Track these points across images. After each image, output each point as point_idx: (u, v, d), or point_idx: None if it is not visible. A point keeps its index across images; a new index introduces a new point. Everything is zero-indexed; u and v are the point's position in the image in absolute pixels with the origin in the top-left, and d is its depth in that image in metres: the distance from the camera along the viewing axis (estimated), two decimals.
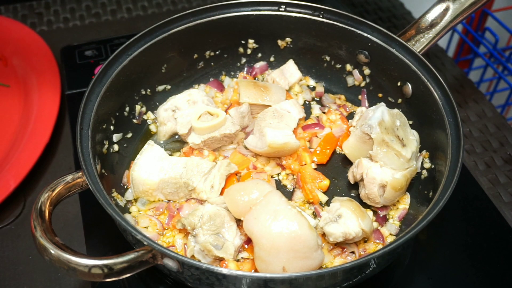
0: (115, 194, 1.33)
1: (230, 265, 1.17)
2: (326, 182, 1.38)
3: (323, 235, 1.25)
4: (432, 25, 1.41)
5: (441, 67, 1.89)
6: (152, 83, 1.53)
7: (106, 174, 1.31)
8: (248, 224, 1.17)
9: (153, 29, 1.44)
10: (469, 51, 2.22)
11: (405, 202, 1.35)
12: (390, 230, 1.31)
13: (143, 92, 1.51)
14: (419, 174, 1.36)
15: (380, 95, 1.54)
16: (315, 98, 1.63)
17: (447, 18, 1.39)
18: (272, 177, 1.40)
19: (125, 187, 1.38)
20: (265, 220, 1.14)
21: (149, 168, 1.32)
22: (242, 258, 1.23)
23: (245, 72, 1.66)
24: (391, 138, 1.29)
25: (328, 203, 1.35)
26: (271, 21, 1.55)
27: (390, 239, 1.30)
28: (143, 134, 1.51)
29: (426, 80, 1.35)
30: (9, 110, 1.64)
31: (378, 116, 1.31)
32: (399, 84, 1.46)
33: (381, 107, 1.35)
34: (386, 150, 1.28)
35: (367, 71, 1.55)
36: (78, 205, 1.43)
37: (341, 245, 1.26)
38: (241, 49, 1.62)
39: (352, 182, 1.37)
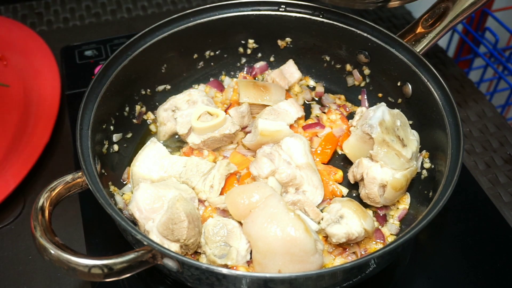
0: (112, 188, 1.33)
1: (239, 268, 1.17)
2: (340, 173, 1.40)
3: (326, 236, 1.25)
4: (432, 25, 1.41)
5: (441, 67, 1.89)
6: (152, 83, 1.53)
7: (106, 174, 1.31)
8: (246, 227, 1.17)
9: (153, 29, 1.44)
10: (469, 51, 2.22)
11: (405, 202, 1.35)
12: (390, 230, 1.31)
13: (143, 92, 1.51)
14: (419, 174, 1.36)
15: (380, 95, 1.54)
16: (315, 98, 1.63)
17: (447, 18, 1.39)
18: None
19: (124, 182, 1.38)
20: (262, 223, 1.14)
21: (150, 164, 1.33)
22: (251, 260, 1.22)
23: (245, 72, 1.66)
24: (392, 138, 1.30)
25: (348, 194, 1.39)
26: (271, 21, 1.55)
27: (390, 238, 1.30)
28: (143, 134, 1.51)
29: (426, 80, 1.35)
30: (9, 110, 1.64)
31: (379, 116, 1.31)
32: (399, 84, 1.46)
33: (382, 107, 1.35)
34: (387, 150, 1.28)
35: (367, 71, 1.55)
36: (78, 205, 1.43)
37: (343, 245, 1.26)
38: (241, 49, 1.63)
39: (352, 182, 1.37)
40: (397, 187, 1.28)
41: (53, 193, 1.11)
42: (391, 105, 1.46)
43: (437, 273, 1.30)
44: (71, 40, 1.91)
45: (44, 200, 1.08)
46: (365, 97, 1.58)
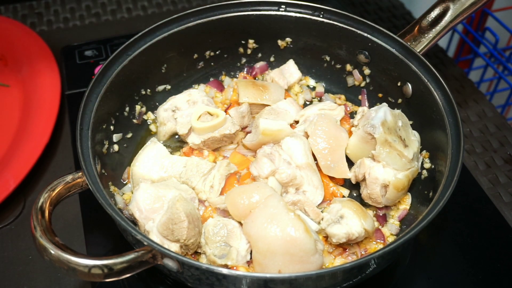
0: (112, 188, 1.33)
1: (239, 268, 1.17)
2: None
3: (326, 236, 1.25)
4: (432, 25, 1.41)
5: (441, 67, 1.89)
6: (152, 83, 1.53)
7: (106, 174, 1.31)
8: (246, 227, 1.17)
9: (153, 29, 1.44)
10: (469, 51, 2.22)
11: (406, 202, 1.35)
12: (390, 230, 1.31)
13: (143, 92, 1.51)
14: (419, 174, 1.36)
15: (380, 95, 1.54)
16: (315, 98, 1.63)
17: (447, 18, 1.39)
18: None
19: (124, 182, 1.38)
20: (261, 224, 1.14)
21: (150, 164, 1.33)
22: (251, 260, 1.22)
23: (245, 72, 1.66)
24: (394, 138, 1.30)
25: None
26: (271, 21, 1.55)
27: (391, 239, 1.30)
28: (143, 134, 1.51)
29: (426, 80, 1.35)
30: (9, 110, 1.64)
31: (381, 116, 1.31)
32: (399, 84, 1.46)
33: (384, 107, 1.35)
34: (389, 150, 1.28)
35: (367, 71, 1.55)
36: (78, 205, 1.43)
37: (343, 245, 1.26)
38: (241, 49, 1.63)
39: (354, 182, 1.37)
40: (399, 187, 1.28)
41: (53, 193, 1.11)
42: (391, 105, 1.46)
43: (437, 273, 1.30)
44: (71, 40, 1.91)
45: (44, 200, 1.08)
46: (365, 97, 1.58)
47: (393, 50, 1.42)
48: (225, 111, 1.46)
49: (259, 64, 1.65)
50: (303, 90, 1.62)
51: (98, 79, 1.33)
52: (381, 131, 1.28)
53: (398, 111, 1.37)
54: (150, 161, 1.33)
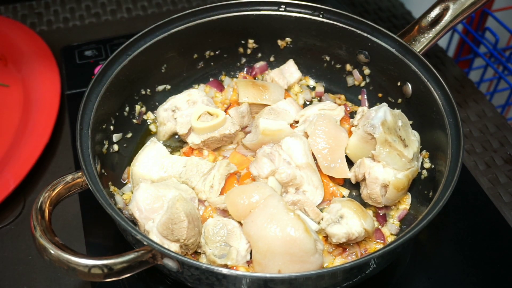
0: (112, 188, 1.33)
1: (239, 268, 1.17)
2: None
3: (326, 236, 1.25)
4: (432, 25, 1.41)
5: (441, 67, 1.89)
6: (152, 83, 1.53)
7: (106, 174, 1.31)
8: (246, 227, 1.17)
9: (153, 29, 1.44)
10: (469, 51, 2.22)
11: (406, 202, 1.35)
12: (390, 230, 1.31)
13: (143, 92, 1.51)
14: (419, 174, 1.36)
15: (380, 95, 1.54)
16: (315, 98, 1.63)
17: (447, 18, 1.39)
18: None
19: (124, 182, 1.38)
20: (261, 223, 1.14)
21: (150, 164, 1.33)
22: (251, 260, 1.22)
23: (245, 72, 1.66)
24: (394, 138, 1.30)
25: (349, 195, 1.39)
26: (271, 21, 1.55)
27: (390, 238, 1.30)
28: (143, 134, 1.51)
29: (426, 80, 1.35)
30: (9, 110, 1.64)
31: (381, 116, 1.31)
32: (399, 84, 1.46)
33: (384, 107, 1.35)
34: (389, 150, 1.28)
35: (367, 71, 1.55)
36: (78, 205, 1.43)
37: (343, 245, 1.26)
38: (241, 49, 1.63)
39: (354, 182, 1.37)
40: (399, 187, 1.28)
41: (53, 193, 1.11)
42: (391, 105, 1.46)
43: (437, 273, 1.30)
44: (71, 40, 1.91)
45: (44, 200, 1.08)
46: (365, 97, 1.58)
47: (393, 50, 1.43)
48: (225, 111, 1.46)
49: (259, 64, 1.65)
50: (303, 90, 1.62)
51: (98, 79, 1.33)
52: (381, 131, 1.28)
53: (398, 111, 1.38)
54: (150, 161, 1.33)
